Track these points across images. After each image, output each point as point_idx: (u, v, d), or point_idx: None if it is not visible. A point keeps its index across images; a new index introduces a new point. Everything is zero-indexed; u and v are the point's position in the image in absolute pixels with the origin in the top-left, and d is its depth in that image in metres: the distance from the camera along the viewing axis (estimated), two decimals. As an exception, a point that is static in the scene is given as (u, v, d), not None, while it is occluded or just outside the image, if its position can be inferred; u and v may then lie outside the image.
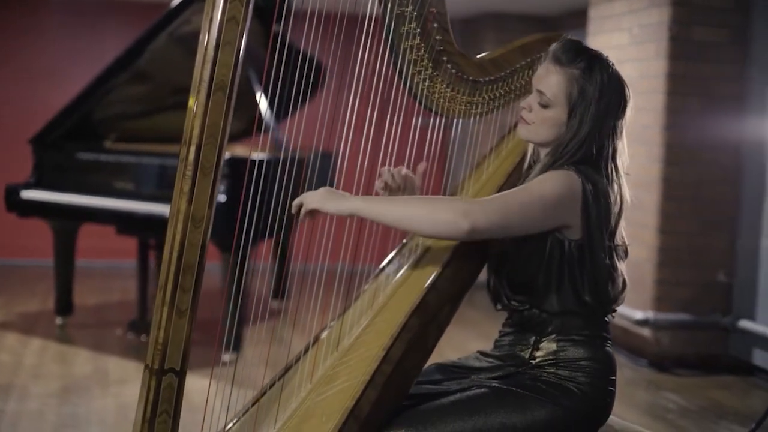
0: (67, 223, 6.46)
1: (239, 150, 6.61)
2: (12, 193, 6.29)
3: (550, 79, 2.54)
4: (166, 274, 2.28)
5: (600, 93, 2.50)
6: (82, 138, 6.50)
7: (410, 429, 2.41)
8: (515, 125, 2.88)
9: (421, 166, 2.89)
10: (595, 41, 6.95)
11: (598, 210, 2.47)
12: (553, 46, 2.59)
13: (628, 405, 5.22)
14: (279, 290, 7.28)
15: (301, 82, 5.31)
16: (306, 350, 2.68)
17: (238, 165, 5.56)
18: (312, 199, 2.52)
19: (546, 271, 2.52)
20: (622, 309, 6.18)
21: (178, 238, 2.26)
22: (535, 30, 8.67)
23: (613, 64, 2.59)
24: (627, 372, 6.00)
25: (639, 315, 6.16)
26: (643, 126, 6.27)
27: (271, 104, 6.24)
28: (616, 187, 2.55)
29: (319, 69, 6.36)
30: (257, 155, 5.76)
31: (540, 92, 2.55)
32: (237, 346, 5.67)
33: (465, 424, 2.43)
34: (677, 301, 6.18)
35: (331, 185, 6.52)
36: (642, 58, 6.33)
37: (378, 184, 2.83)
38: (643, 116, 6.28)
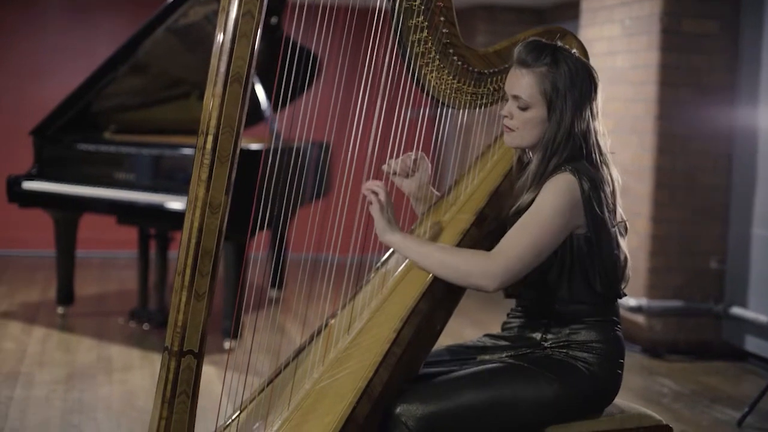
0: (68, 213, 6.53)
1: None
2: (13, 184, 6.35)
3: (522, 82, 2.65)
4: (185, 259, 2.37)
5: (571, 81, 2.62)
6: (82, 129, 6.57)
7: (425, 401, 2.50)
8: (501, 134, 2.98)
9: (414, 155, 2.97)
10: (587, 33, 7.04)
11: (599, 203, 2.57)
12: (516, 51, 2.68)
13: (622, 389, 5.28)
14: (276, 280, 7.36)
15: (298, 74, 5.40)
16: (318, 332, 2.77)
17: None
18: (375, 205, 2.68)
19: (558, 266, 2.62)
20: (615, 296, 6.30)
21: (196, 224, 2.36)
22: (526, 22, 8.80)
23: (573, 51, 2.69)
24: (621, 358, 6.09)
25: (632, 302, 6.25)
26: (636, 116, 6.36)
27: (268, 95, 6.32)
28: (605, 168, 2.65)
29: (315, 61, 6.43)
30: (254, 145, 5.84)
31: (516, 97, 2.66)
32: (237, 334, 5.75)
33: (477, 396, 2.54)
34: (670, 289, 6.28)
35: (323, 176, 6.65)
36: (634, 50, 6.42)
37: (387, 169, 2.93)
38: (635, 107, 6.37)
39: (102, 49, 6.50)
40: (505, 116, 2.71)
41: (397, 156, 2.92)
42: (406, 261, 2.78)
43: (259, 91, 6.29)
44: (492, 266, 2.53)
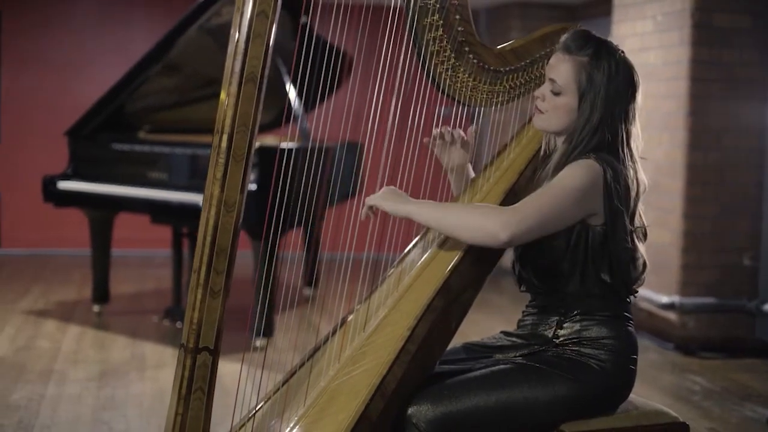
0: (102, 212, 6.61)
1: (269, 140, 6.72)
2: (49, 184, 6.44)
3: (561, 67, 2.65)
4: (200, 257, 2.40)
5: (608, 78, 2.61)
6: (117, 129, 6.64)
7: (437, 403, 2.51)
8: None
9: (471, 129, 3.00)
10: (620, 29, 7.01)
11: (618, 195, 2.57)
12: (564, 36, 2.69)
13: (652, 387, 5.30)
14: (310, 278, 7.40)
15: (328, 73, 5.42)
16: (333, 332, 2.79)
17: (267, 154, 5.63)
18: (374, 196, 2.69)
19: (571, 256, 2.62)
20: (647, 293, 6.28)
21: (211, 222, 2.38)
22: (559, 18, 8.77)
23: (621, 51, 2.68)
24: (653, 355, 6.08)
25: (664, 299, 6.23)
26: (667, 112, 6.33)
27: (299, 95, 6.35)
28: (631, 171, 2.64)
29: (345, 60, 6.45)
30: (286, 144, 5.87)
31: (552, 80, 2.67)
32: (268, 332, 5.78)
33: (489, 397, 2.54)
34: (702, 285, 6.24)
35: (357, 176, 6.68)
36: (666, 45, 6.39)
37: (435, 132, 2.96)
38: (667, 102, 6.35)
39: (138, 48, 6.56)
40: (538, 97, 2.72)
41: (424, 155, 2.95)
42: (422, 259, 2.79)
43: (290, 90, 6.31)
44: (507, 216, 2.51)
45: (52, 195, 6.46)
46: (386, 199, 2.68)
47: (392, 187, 2.73)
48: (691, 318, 6.22)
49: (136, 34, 9.11)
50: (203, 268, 2.40)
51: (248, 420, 2.66)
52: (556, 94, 2.66)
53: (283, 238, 6.12)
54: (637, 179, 2.66)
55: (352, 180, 6.81)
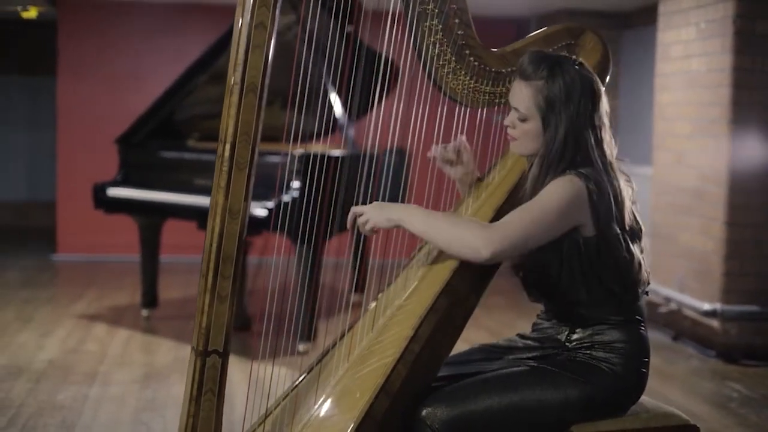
0: (151, 218, 6.74)
1: (315, 148, 6.79)
2: (99, 191, 6.58)
3: (521, 95, 2.70)
4: (207, 263, 2.48)
5: (566, 95, 2.64)
6: (167, 137, 6.78)
7: (450, 404, 2.57)
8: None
9: (460, 139, 3.08)
10: (665, 37, 7.01)
11: (604, 206, 2.61)
12: (520, 62, 2.73)
13: (690, 393, 5.31)
14: (357, 284, 7.45)
15: (375, 81, 5.48)
16: (342, 336, 2.86)
17: (311, 162, 5.69)
18: (364, 218, 2.75)
19: (568, 270, 2.66)
20: (689, 300, 6.29)
21: (216, 229, 2.48)
22: (608, 26, 8.77)
23: (577, 63, 2.70)
24: (694, 362, 6.07)
25: (707, 306, 6.21)
26: (711, 120, 6.32)
27: (345, 103, 6.41)
28: (605, 176, 2.65)
29: (392, 68, 6.51)
30: (330, 152, 5.94)
31: (516, 109, 2.72)
32: (311, 337, 5.85)
33: (501, 399, 2.60)
34: (745, 293, 6.21)
35: (405, 182, 6.73)
36: (709, 53, 6.38)
37: (434, 154, 3.05)
38: (710, 110, 6.33)
39: (194, 59, 6.66)
40: (507, 125, 2.77)
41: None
42: (429, 260, 2.86)
43: (335, 99, 6.36)
44: (489, 233, 2.57)
45: (102, 202, 6.60)
46: (375, 214, 2.74)
47: (378, 202, 2.78)
48: (733, 325, 6.19)
49: (191, 45, 9.20)
50: (210, 274, 2.48)
51: (258, 425, 2.73)
52: (522, 120, 2.71)
53: (326, 243, 6.19)
54: (617, 182, 2.67)
55: (400, 186, 6.86)
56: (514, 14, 9.71)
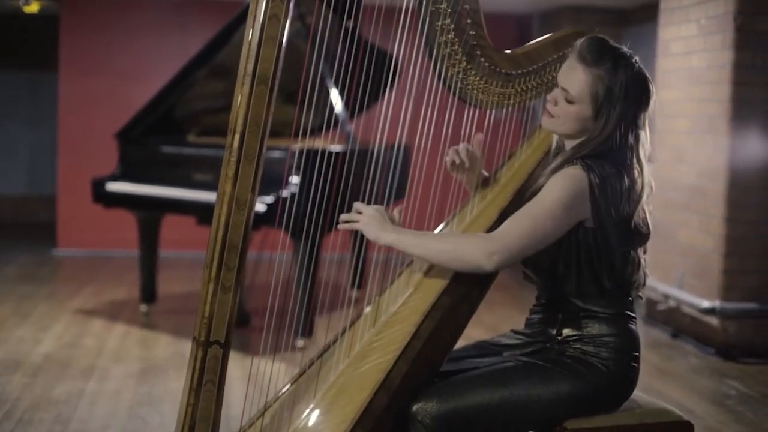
0: (150, 213, 6.72)
1: (314, 143, 6.77)
2: (98, 185, 6.56)
3: (576, 77, 2.64)
4: (212, 253, 2.47)
5: (625, 92, 2.61)
6: (165, 132, 6.76)
7: (441, 399, 2.56)
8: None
9: (478, 137, 3.06)
10: (666, 33, 7.01)
11: (606, 199, 2.58)
12: (579, 43, 2.68)
13: (687, 390, 5.30)
14: (357, 280, 7.43)
15: (376, 77, 5.46)
16: (343, 332, 2.85)
17: (310, 157, 5.69)
18: (361, 220, 2.74)
19: (565, 257, 2.66)
20: (689, 297, 6.27)
21: (223, 219, 2.47)
22: (610, 23, 8.77)
23: (636, 62, 2.68)
24: (693, 360, 6.06)
25: (706, 304, 6.21)
26: (711, 116, 6.31)
27: (345, 99, 6.38)
28: (635, 173, 2.65)
29: (392, 64, 6.48)
30: (329, 147, 5.93)
31: (564, 90, 2.66)
32: (308, 332, 5.84)
33: (492, 394, 2.59)
34: (744, 290, 6.20)
35: (404, 178, 6.71)
36: (709, 49, 6.37)
37: (447, 160, 3.03)
38: (709, 107, 6.33)
39: (195, 52, 6.63)
40: (549, 101, 2.73)
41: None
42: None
43: (335, 96, 6.34)
44: (489, 245, 2.57)
45: (101, 196, 6.58)
46: (370, 225, 2.72)
47: (380, 208, 2.76)
48: (732, 323, 6.18)
49: (193, 41, 9.17)
50: (215, 264, 2.47)
51: (256, 420, 2.72)
52: (569, 102, 2.66)
53: (323, 239, 6.17)
54: (642, 182, 2.66)
55: (398, 182, 6.83)
56: (516, 11, 9.71)
